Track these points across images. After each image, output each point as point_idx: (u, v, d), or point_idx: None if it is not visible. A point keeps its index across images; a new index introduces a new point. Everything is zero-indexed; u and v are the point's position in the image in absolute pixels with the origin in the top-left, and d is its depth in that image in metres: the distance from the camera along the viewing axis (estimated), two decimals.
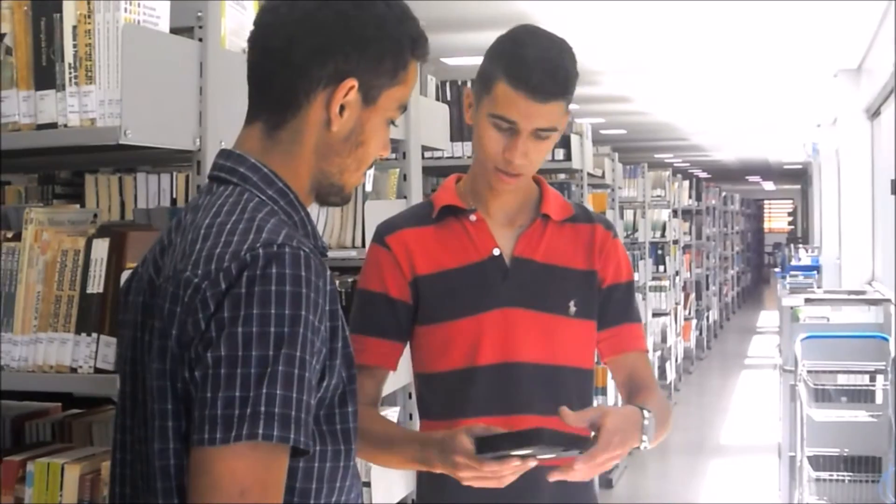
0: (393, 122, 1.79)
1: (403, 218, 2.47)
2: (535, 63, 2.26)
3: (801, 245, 17.98)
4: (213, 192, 1.69)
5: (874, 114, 8.86)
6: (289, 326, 1.50)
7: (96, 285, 2.34)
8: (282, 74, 1.69)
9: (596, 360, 2.52)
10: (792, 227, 37.87)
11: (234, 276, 1.51)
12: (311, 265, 1.55)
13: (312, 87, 1.68)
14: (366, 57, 1.69)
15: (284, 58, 1.68)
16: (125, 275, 2.27)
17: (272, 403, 1.47)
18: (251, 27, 1.75)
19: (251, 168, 1.68)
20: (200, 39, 2.40)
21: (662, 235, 11.87)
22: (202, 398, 1.49)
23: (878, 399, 6.11)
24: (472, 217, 2.41)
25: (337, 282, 3.11)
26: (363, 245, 3.13)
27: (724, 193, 20.49)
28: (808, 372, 6.05)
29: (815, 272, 11.58)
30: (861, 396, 6.24)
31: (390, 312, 2.38)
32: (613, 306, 2.45)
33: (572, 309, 2.38)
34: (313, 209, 3.15)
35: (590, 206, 6.74)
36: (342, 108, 1.69)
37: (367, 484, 2.99)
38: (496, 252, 2.39)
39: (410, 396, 3.46)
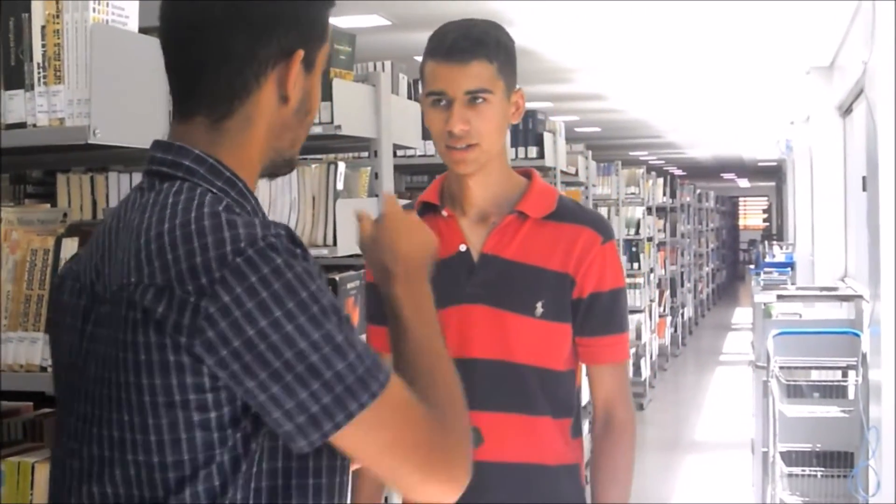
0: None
1: None
2: (450, 31, 2.35)
3: (775, 242, 18.05)
4: (157, 188, 1.57)
5: (846, 111, 8.90)
6: (324, 298, 1.46)
7: None
8: (223, 66, 1.58)
9: None
10: (767, 223, 38.05)
11: (242, 283, 1.42)
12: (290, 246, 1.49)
13: (262, 70, 1.59)
14: (303, 24, 1.62)
15: (222, 49, 1.57)
16: None
17: (363, 362, 1.47)
18: (157, 24, 1.63)
19: (196, 160, 1.58)
20: None
21: (637, 233, 11.92)
22: (300, 402, 1.43)
23: (850, 395, 6.13)
24: (444, 213, 2.44)
25: None
26: (334, 243, 3.14)
27: (698, 191, 20.56)
28: (781, 368, 6.07)
29: (790, 269, 11.63)
30: (833, 392, 6.26)
31: (379, 300, 2.43)
32: (594, 316, 2.42)
33: (539, 310, 2.36)
34: (284, 207, 3.19)
35: None
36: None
37: None
38: (462, 248, 2.40)
39: None
